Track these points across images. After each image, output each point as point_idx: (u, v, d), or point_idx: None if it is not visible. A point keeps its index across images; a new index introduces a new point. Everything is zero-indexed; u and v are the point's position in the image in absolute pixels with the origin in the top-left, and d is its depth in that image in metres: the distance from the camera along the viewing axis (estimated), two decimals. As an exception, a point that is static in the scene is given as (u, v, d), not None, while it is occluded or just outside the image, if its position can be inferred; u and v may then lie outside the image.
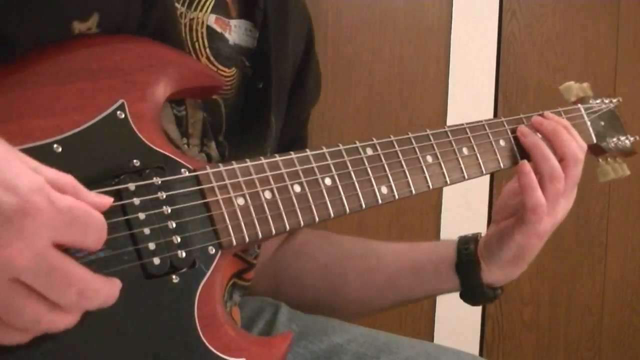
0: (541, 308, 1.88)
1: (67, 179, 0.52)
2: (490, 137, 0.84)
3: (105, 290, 0.53)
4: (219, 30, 0.77)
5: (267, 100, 0.79)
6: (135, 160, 0.62)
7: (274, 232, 0.67)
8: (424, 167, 0.78)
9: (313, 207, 0.69)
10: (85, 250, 0.52)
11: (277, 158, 0.69)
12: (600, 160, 0.99)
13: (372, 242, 0.99)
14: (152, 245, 0.59)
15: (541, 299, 1.87)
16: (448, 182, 0.79)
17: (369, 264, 0.96)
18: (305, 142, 0.98)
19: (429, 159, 0.78)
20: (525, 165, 0.83)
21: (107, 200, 0.54)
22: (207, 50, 0.75)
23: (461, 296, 0.93)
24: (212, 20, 0.76)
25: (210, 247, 0.63)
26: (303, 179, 0.69)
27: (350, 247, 0.98)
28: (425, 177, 0.78)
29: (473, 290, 0.91)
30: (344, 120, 1.80)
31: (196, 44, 0.74)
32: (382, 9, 1.82)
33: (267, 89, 0.79)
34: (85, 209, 0.51)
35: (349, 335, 0.90)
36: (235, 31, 0.79)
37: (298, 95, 0.90)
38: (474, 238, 0.92)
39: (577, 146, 0.86)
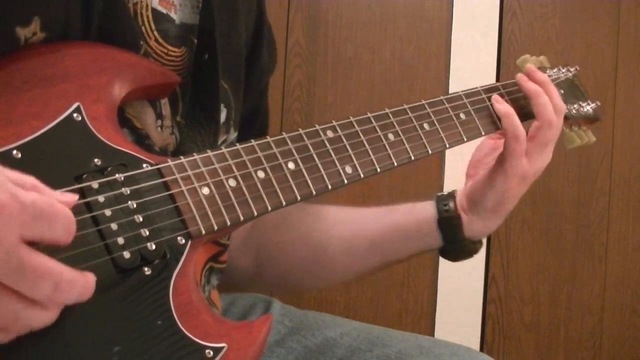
0: (541, 308, 1.87)
1: (29, 179, 0.52)
2: (450, 111, 0.86)
3: (80, 282, 0.52)
4: (164, 11, 0.77)
5: (214, 69, 0.79)
6: (96, 160, 0.62)
7: (241, 218, 0.67)
8: (386, 145, 0.79)
9: (279, 191, 0.70)
10: (56, 243, 0.52)
11: (238, 146, 0.69)
12: (564, 127, 1.01)
13: (351, 209, 1.00)
14: (120, 240, 0.60)
15: (541, 299, 1.87)
16: (412, 157, 0.80)
17: (351, 230, 0.97)
18: (266, 112, 0.99)
19: (391, 136, 0.79)
20: (498, 97, 0.89)
21: (72, 198, 0.54)
22: (155, 32, 0.76)
23: (441, 253, 0.96)
24: (156, 2, 0.76)
25: (179, 238, 0.64)
26: (266, 165, 0.70)
27: (330, 215, 0.99)
28: (389, 154, 0.78)
29: (455, 245, 0.94)
30: (344, 120, 1.80)
31: (143, 27, 0.75)
32: (382, 8, 1.82)
33: (214, 58, 0.79)
34: (49, 202, 0.50)
35: (342, 329, 0.91)
36: (180, 9, 0.79)
37: (253, 65, 0.90)
38: (451, 195, 0.95)
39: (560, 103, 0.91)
